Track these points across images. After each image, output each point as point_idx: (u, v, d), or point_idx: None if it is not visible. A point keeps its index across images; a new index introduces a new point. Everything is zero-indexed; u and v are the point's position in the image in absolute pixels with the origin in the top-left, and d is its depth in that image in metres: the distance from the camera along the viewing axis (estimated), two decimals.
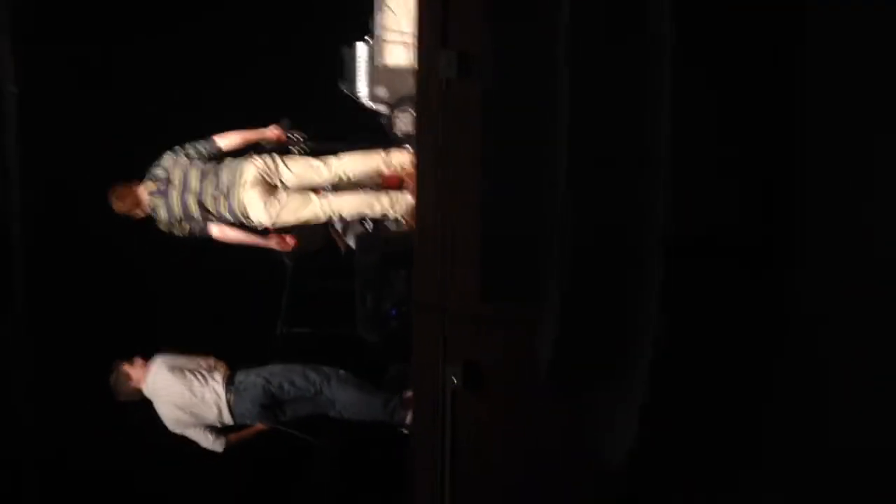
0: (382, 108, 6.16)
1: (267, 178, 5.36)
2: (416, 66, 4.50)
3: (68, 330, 6.67)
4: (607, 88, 2.98)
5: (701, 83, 2.74)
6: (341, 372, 5.52)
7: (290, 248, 5.64)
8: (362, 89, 6.11)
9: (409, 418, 5.12)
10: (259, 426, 5.59)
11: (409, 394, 5.07)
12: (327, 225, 6.17)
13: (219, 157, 5.48)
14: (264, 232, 5.60)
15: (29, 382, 6.89)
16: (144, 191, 5.36)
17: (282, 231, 5.61)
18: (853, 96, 2.48)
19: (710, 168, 2.80)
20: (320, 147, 5.83)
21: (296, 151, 5.73)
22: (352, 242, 5.88)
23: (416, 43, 4.42)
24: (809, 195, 2.67)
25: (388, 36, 5.83)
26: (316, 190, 5.53)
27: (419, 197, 4.48)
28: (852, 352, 2.45)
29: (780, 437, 2.90)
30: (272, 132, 5.61)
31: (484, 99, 3.31)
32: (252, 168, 5.30)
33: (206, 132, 5.59)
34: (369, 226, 6.03)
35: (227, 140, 5.51)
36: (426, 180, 4.40)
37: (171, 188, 5.30)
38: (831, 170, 2.58)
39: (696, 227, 2.85)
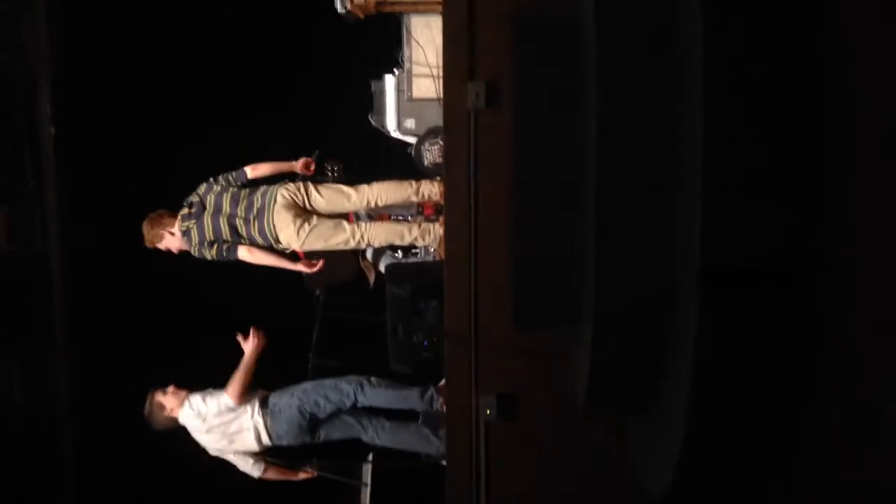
0: (410, 140, 6.20)
1: (298, 202, 5.43)
2: (443, 97, 4.53)
3: (106, 358, 6.76)
4: (638, 114, 2.98)
5: (734, 107, 2.74)
6: (372, 378, 5.50)
7: (316, 270, 5.65)
8: (391, 121, 6.15)
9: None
10: (303, 474, 5.58)
11: (443, 382, 5.04)
12: (357, 256, 6.19)
13: (250, 184, 5.58)
14: (294, 256, 5.65)
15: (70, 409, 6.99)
16: (177, 216, 5.46)
17: (311, 256, 5.64)
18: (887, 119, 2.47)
19: (744, 194, 2.78)
20: (352, 178, 5.88)
21: (330, 180, 5.78)
22: (382, 272, 5.89)
23: (443, 75, 4.46)
24: (845, 219, 2.65)
25: (416, 69, 5.89)
26: (347, 217, 5.59)
27: (448, 227, 4.48)
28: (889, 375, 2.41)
29: (817, 466, 2.85)
30: (302, 163, 5.67)
31: (514, 128, 3.32)
32: (284, 191, 5.38)
33: (239, 164, 5.69)
34: (399, 255, 6.05)
35: (258, 170, 5.61)
36: (455, 211, 4.41)
37: (204, 212, 5.40)
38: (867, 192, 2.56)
39: (730, 255, 2.83)
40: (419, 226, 5.54)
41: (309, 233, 5.42)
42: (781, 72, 2.74)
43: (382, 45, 6.24)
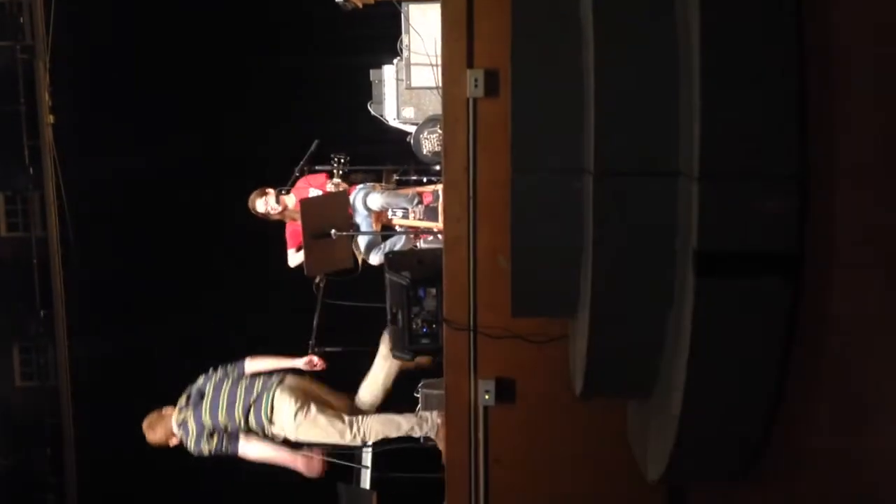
0: (409, 129, 6.23)
1: (299, 396, 5.31)
2: (441, 85, 4.56)
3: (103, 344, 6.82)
4: (634, 99, 3.02)
5: (732, 88, 2.77)
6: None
7: (318, 474, 5.54)
8: (390, 111, 6.18)
9: None
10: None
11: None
12: (353, 244, 6.23)
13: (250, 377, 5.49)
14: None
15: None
16: (175, 409, 5.31)
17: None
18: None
19: (742, 179, 2.82)
20: (353, 170, 5.91)
21: (336, 171, 5.81)
22: (381, 260, 5.93)
23: (441, 63, 4.49)
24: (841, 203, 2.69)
25: (415, 58, 5.92)
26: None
27: (447, 214, 4.53)
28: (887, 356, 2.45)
29: (813, 443, 2.90)
30: (306, 361, 5.54)
31: (512, 115, 3.36)
32: (287, 378, 5.30)
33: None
34: (392, 242, 6.08)
35: (256, 365, 5.48)
36: (454, 198, 4.45)
37: (202, 401, 5.28)
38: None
39: (728, 240, 2.87)
40: (417, 415, 5.44)
41: (305, 422, 5.28)
42: (781, 56, 2.78)
43: (383, 35, 6.28)
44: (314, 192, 6.22)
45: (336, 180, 6.09)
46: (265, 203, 6.31)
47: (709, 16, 2.77)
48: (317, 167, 6.21)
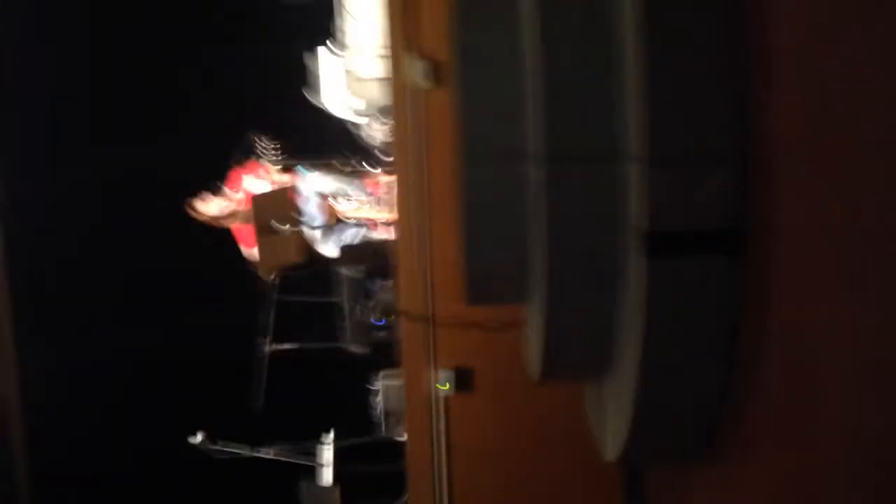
0: (357, 119, 6.19)
1: None
2: (388, 76, 4.55)
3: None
4: (576, 85, 3.03)
5: (672, 73, 2.80)
6: None
7: None
8: (329, 97, 6.06)
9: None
10: None
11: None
12: (305, 238, 6.18)
13: None
14: None
15: None
16: None
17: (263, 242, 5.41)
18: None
19: (685, 160, 2.86)
20: (293, 160, 5.84)
21: (265, 159, 5.71)
22: (334, 253, 5.90)
23: (387, 54, 4.47)
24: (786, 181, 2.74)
25: (355, 44, 5.82)
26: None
27: (399, 205, 4.52)
28: (836, 337, 2.51)
29: (767, 426, 2.96)
30: None
31: (458, 102, 3.35)
32: None
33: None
34: (346, 237, 6.05)
35: None
36: (404, 189, 4.44)
37: None
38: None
39: (674, 221, 2.90)
40: None
41: None
42: (716, 34, 2.81)
43: (308, 14, 6.11)
44: (250, 181, 6.07)
45: (270, 167, 5.95)
46: (217, 206, 6.16)
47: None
48: (262, 160, 6.12)
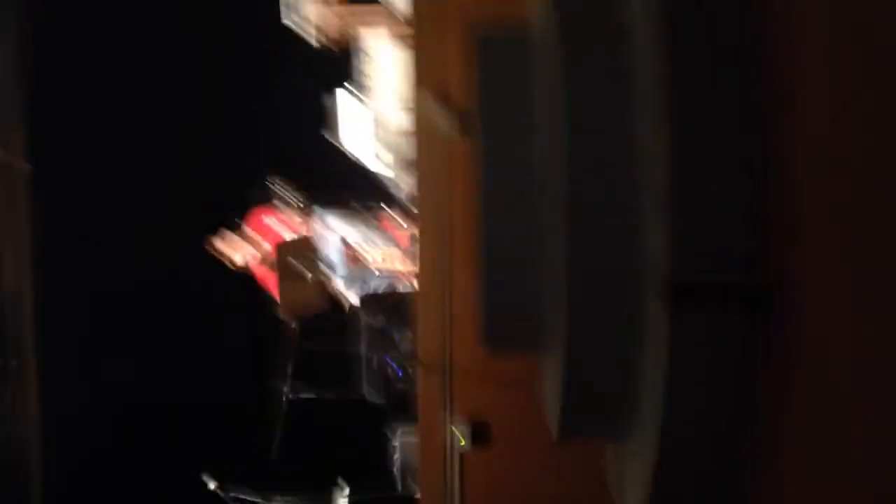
0: (386, 172, 6.22)
1: None
2: (412, 126, 4.57)
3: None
4: (598, 132, 3.02)
5: (699, 121, 2.77)
6: None
7: None
8: (347, 137, 6.08)
9: None
10: None
11: None
12: (327, 286, 6.17)
13: None
14: None
15: None
16: None
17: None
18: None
19: (710, 212, 2.81)
20: (312, 203, 5.87)
21: (286, 202, 5.75)
22: (355, 301, 5.88)
23: (411, 104, 4.50)
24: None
25: (378, 90, 5.87)
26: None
27: (421, 257, 4.50)
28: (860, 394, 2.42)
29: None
30: None
31: (482, 153, 3.35)
32: None
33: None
34: (370, 284, 6.04)
35: None
36: (428, 242, 4.43)
37: None
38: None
39: (697, 272, 2.84)
40: None
41: None
42: (742, 84, 2.79)
43: (331, 58, 6.20)
44: (272, 223, 6.10)
45: (293, 211, 5.98)
46: (243, 257, 6.16)
47: (665, 48, 2.79)
48: (289, 205, 6.15)
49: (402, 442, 5.67)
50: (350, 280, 6.20)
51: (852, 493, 2.41)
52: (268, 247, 5.88)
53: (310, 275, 5.61)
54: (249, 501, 5.57)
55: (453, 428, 4.22)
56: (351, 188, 6.11)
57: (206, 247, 6.02)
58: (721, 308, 2.90)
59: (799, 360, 2.74)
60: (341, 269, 6.19)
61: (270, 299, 5.99)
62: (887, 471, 2.24)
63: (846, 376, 2.46)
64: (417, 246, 4.99)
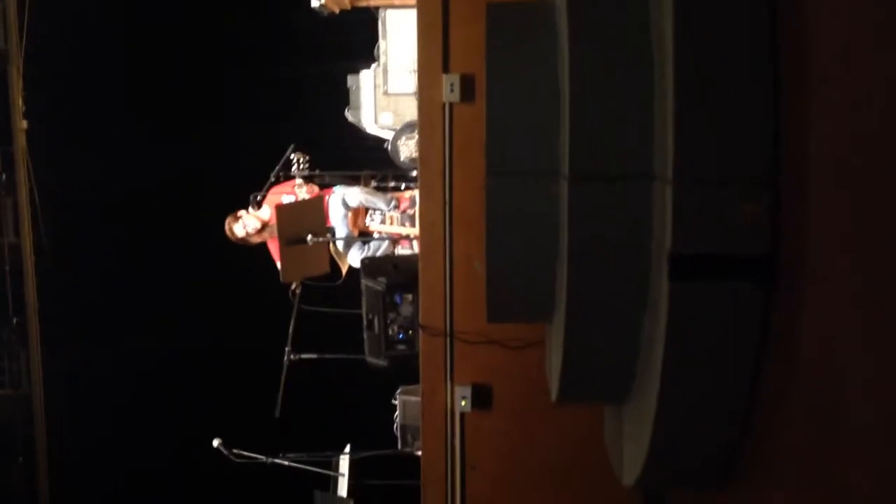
0: (387, 135, 6.22)
1: None
2: (418, 91, 4.56)
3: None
4: (609, 104, 3.02)
5: (705, 94, 2.78)
6: None
7: None
8: (367, 117, 6.16)
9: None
10: None
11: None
12: (330, 248, 6.20)
13: None
14: None
15: None
16: None
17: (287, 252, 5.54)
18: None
19: (715, 184, 2.82)
20: (326, 175, 5.89)
21: (296, 173, 5.78)
22: (356, 265, 5.90)
23: (417, 68, 4.48)
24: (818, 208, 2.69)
25: (392, 63, 5.92)
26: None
27: (422, 220, 4.52)
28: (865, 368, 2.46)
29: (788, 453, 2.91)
30: None
31: (487, 119, 3.35)
32: None
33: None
34: (369, 246, 6.07)
35: None
36: (430, 204, 4.44)
37: None
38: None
39: (702, 245, 2.87)
40: None
41: None
42: (754, 60, 2.79)
43: (360, 41, 6.29)
44: (287, 199, 6.17)
45: (299, 181, 6.02)
46: (243, 226, 6.22)
47: (682, 23, 2.78)
48: (292, 173, 6.17)
49: (401, 400, 5.72)
50: (353, 243, 6.23)
51: (851, 474, 2.46)
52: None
53: (311, 237, 5.62)
54: (251, 457, 5.65)
55: (454, 390, 4.28)
56: (360, 159, 6.14)
57: (226, 231, 6.10)
58: (722, 277, 2.93)
59: (799, 338, 2.78)
60: (344, 232, 6.21)
61: (273, 266, 6.02)
62: (885, 453, 2.28)
63: (849, 356, 2.49)
64: (419, 209, 5.00)
